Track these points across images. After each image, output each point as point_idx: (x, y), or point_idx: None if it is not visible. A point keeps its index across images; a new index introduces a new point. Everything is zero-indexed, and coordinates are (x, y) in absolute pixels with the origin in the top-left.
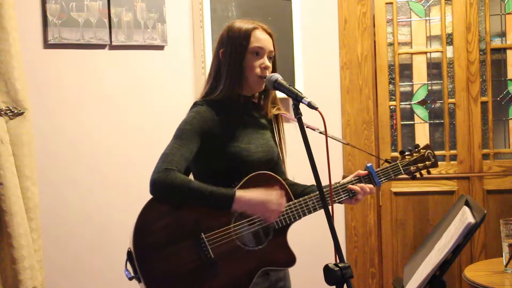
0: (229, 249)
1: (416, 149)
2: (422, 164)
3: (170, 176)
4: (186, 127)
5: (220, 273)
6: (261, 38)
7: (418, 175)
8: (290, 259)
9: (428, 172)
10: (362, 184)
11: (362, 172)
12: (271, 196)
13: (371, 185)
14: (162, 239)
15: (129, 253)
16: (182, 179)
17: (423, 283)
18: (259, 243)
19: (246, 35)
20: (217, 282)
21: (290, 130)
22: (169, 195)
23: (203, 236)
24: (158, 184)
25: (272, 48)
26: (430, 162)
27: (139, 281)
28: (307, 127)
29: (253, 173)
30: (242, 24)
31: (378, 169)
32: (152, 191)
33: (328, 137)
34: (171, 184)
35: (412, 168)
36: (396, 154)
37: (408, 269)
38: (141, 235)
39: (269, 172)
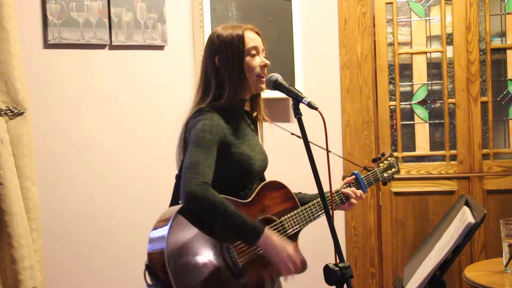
0: (253, 258)
1: (385, 157)
2: (390, 172)
3: (209, 192)
4: (206, 136)
5: (247, 282)
6: (254, 38)
7: (388, 182)
8: (303, 264)
9: (393, 179)
10: (353, 189)
11: (349, 178)
12: (290, 249)
13: (360, 191)
14: (193, 250)
15: (148, 266)
16: (220, 199)
17: (423, 283)
18: None
19: (239, 38)
20: None
21: (290, 129)
22: (204, 211)
23: (231, 246)
24: (197, 198)
25: (263, 46)
26: (396, 169)
27: None
28: (291, 134)
29: (264, 182)
30: (230, 29)
31: (363, 176)
32: (189, 203)
33: (328, 136)
34: (209, 202)
35: (385, 174)
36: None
37: (408, 269)
38: (173, 248)
39: (278, 181)
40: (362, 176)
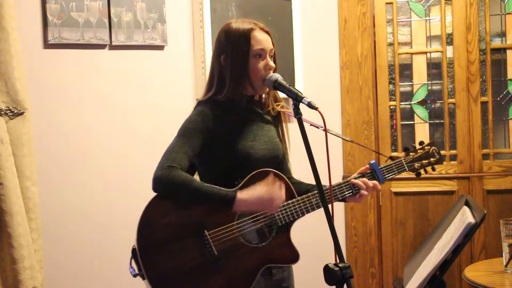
0: (232, 246)
1: (421, 146)
2: (426, 161)
3: (173, 173)
4: (189, 125)
5: (223, 269)
6: (261, 39)
7: (422, 171)
8: (294, 256)
9: (433, 169)
10: (364, 179)
11: (364, 168)
12: (269, 190)
13: (374, 181)
14: (166, 236)
15: (133, 250)
16: (184, 178)
17: (423, 283)
18: (262, 240)
19: (246, 39)
20: (221, 278)
21: (291, 129)
22: (171, 193)
23: (207, 233)
24: (161, 181)
25: (272, 47)
26: (434, 159)
27: (143, 278)
28: (311, 125)
29: (255, 171)
30: (239, 25)
31: (382, 165)
32: (155, 188)
33: (328, 136)
34: (173, 182)
35: (416, 165)
36: (396, 154)
37: (408, 269)
38: (145, 232)
39: (271, 169)
40: (382, 166)
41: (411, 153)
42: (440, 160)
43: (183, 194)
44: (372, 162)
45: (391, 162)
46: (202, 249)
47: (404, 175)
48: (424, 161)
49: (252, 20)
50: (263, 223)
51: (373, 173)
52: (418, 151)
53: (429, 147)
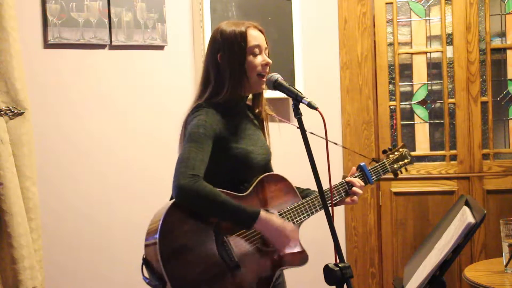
0: (250, 251)
1: (395, 148)
2: (402, 162)
3: (199, 184)
4: (200, 131)
5: (243, 275)
6: (256, 36)
7: (399, 173)
8: (304, 257)
9: (406, 170)
10: (357, 178)
11: (354, 169)
12: (288, 227)
13: (361, 181)
14: (187, 243)
15: (145, 259)
16: (210, 189)
17: (423, 283)
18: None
19: (242, 36)
20: (242, 283)
21: (290, 129)
22: (195, 203)
23: (226, 239)
24: (186, 191)
25: (266, 45)
26: (408, 160)
27: (163, 287)
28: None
29: (263, 175)
30: (233, 26)
31: (369, 167)
32: (179, 196)
33: (327, 139)
34: (199, 193)
35: (395, 166)
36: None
37: (408, 269)
38: (166, 240)
39: (277, 173)
40: (369, 168)
41: (390, 155)
42: (411, 161)
43: (208, 205)
44: (361, 164)
45: (376, 164)
46: (222, 255)
47: (404, 175)
48: (400, 163)
49: (245, 21)
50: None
51: (363, 174)
52: (395, 153)
53: (402, 149)
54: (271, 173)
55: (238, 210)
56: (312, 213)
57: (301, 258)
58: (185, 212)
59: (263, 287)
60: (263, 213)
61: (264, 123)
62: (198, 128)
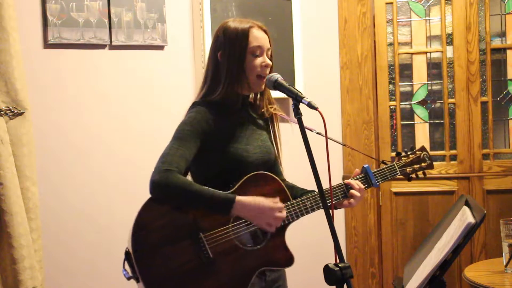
0: (227, 248)
1: (412, 151)
2: (418, 166)
3: (171, 177)
4: (185, 128)
5: (218, 272)
6: (259, 37)
7: (414, 176)
8: (288, 259)
9: (424, 174)
10: (357, 181)
11: (356, 172)
12: (269, 204)
13: (361, 184)
14: (161, 239)
15: (127, 253)
16: (182, 181)
17: (423, 283)
18: (257, 243)
19: (244, 36)
20: (216, 281)
21: (289, 130)
22: (169, 196)
23: (202, 235)
24: (158, 185)
25: (269, 45)
26: (425, 164)
27: (138, 281)
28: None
29: (250, 174)
30: (237, 24)
31: (375, 170)
32: (152, 191)
33: (327, 138)
34: (171, 186)
35: (408, 169)
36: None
37: (408, 269)
38: (139, 235)
39: (266, 172)
40: (375, 170)
41: (403, 158)
42: (431, 165)
43: (181, 197)
44: (365, 166)
45: (384, 167)
46: (197, 251)
47: None
48: (415, 166)
49: (251, 19)
50: (257, 226)
51: (366, 176)
52: (410, 155)
53: (420, 152)
54: (261, 172)
55: (213, 197)
56: (303, 215)
57: (285, 260)
58: (161, 208)
59: (239, 285)
60: (238, 197)
61: (274, 123)
62: (185, 125)
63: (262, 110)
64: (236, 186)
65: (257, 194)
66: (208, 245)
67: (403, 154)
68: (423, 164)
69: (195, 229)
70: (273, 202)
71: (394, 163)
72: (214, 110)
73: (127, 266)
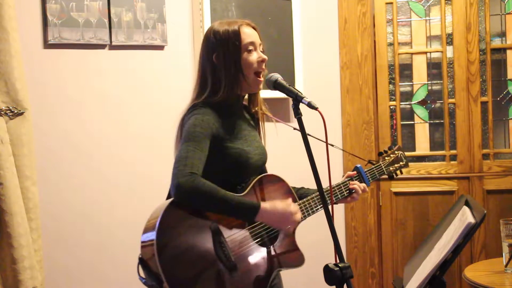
0: (247, 251)
1: (391, 151)
2: (397, 165)
3: (197, 181)
4: (197, 130)
5: (240, 276)
6: (250, 33)
7: (394, 175)
8: (300, 259)
9: (401, 172)
10: (356, 182)
11: (351, 173)
12: (288, 208)
13: (363, 184)
14: (184, 243)
15: (141, 259)
16: (209, 185)
17: (423, 283)
18: (271, 244)
19: (235, 34)
20: (238, 285)
21: (289, 130)
22: (195, 201)
23: (224, 239)
24: (185, 189)
25: (260, 41)
26: (403, 163)
27: (160, 286)
28: (295, 128)
29: (261, 175)
30: (226, 25)
31: (366, 169)
32: (178, 195)
33: (328, 136)
34: (198, 190)
35: (391, 168)
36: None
37: (408, 269)
38: (164, 239)
39: (275, 174)
40: (366, 170)
41: (386, 158)
42: (406, 164)
43: (208, 201)
44: (358, 166)
45: (373, 166)
46: (219, 254)
47: (404, 175)
48: (396, 165)
49: (237, 19)
50: (273, 228)
51: (359, 176)
52: (391, 155)
53: (398, 151)
54: (269, 173)
55: (239, 204)
56: (309, 215)
57: (297, 259)
58: (183, 211)
59: (260, 287)
60: (263, 205)
61: (260, 123)
62: (195, 127)
63: (255, 110)
64: (248, 188)
65: (268, 197)
66: (230, 248)
67: (384, 154)
68: (401, 163)
69: (216, 232)
70: (288, 205)
71: (380, 162)
72: (217, 111)
73: (141, 272)
